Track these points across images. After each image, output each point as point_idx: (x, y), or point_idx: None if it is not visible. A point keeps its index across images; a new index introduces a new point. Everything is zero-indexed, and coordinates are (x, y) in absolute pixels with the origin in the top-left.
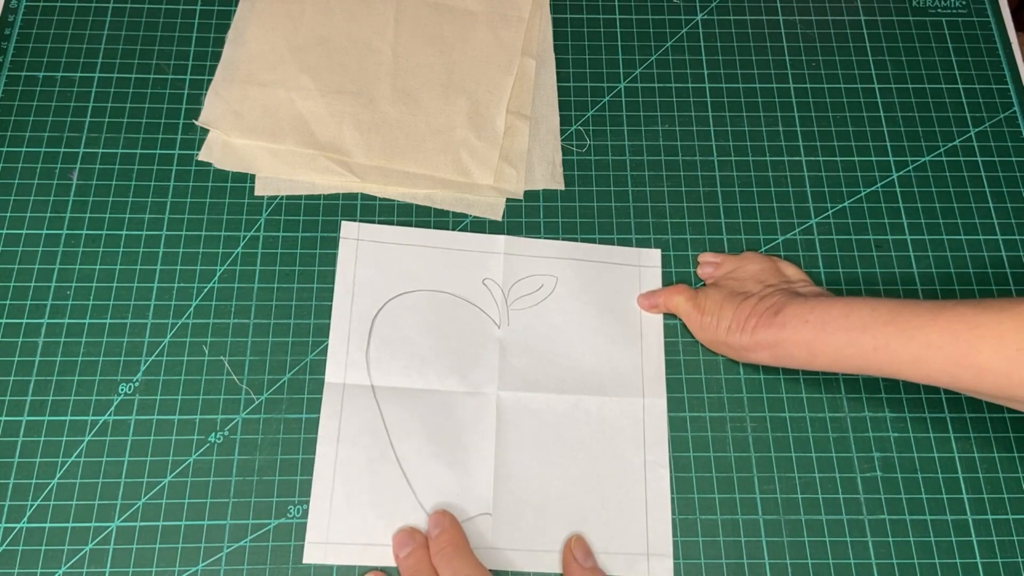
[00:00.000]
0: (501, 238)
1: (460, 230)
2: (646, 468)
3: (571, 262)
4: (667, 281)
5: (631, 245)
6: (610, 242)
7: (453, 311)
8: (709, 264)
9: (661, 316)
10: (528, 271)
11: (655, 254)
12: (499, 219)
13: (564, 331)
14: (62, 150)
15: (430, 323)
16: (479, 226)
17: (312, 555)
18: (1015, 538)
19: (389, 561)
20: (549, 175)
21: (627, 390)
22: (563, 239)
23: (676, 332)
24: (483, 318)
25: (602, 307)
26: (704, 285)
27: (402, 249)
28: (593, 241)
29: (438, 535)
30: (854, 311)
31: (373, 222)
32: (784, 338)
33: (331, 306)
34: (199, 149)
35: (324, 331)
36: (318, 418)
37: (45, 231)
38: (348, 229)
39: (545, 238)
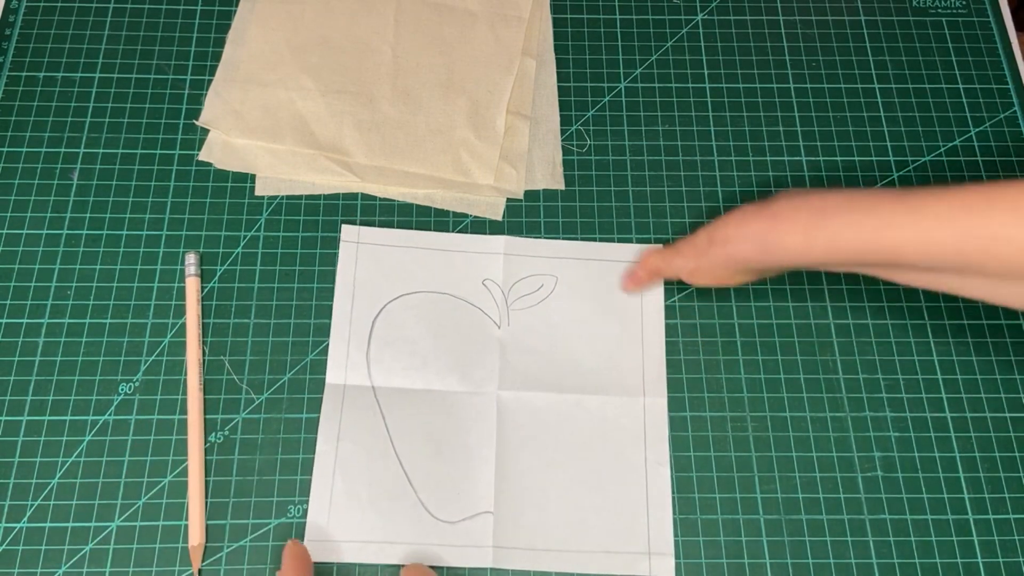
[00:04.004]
0: (501, 238)
1: (460, 230)
2: (647, 467)
3: (571, 261)
4: (667, 281)
5: (631, 244)
6: (610, 241)
7: (453, 312)
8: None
9: (662, 316)
10: (528, 271)
11: None
12: (499, 219)
13: (564, 331)
14: (62, 150)
15: (430, 324)
16: (479, 226)
17: (311, 552)
18: (1016, 537)
19: (388, 559)
20: (549, 175)
21: (628, 389)
22: (563, 239)
23: (677, 332)
24: (483, 318)
25: (602, 306)
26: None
27: (402, 251)
28: (593, 240)
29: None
30: (856, 193)
31: (373, 222)
32: (775, 226)
33: (331, 306)
34: (199, 149)
35: (324, 331)
36: (318, 418)
37: (45, 231)
38: (348, 232)
39: (545, 238)
